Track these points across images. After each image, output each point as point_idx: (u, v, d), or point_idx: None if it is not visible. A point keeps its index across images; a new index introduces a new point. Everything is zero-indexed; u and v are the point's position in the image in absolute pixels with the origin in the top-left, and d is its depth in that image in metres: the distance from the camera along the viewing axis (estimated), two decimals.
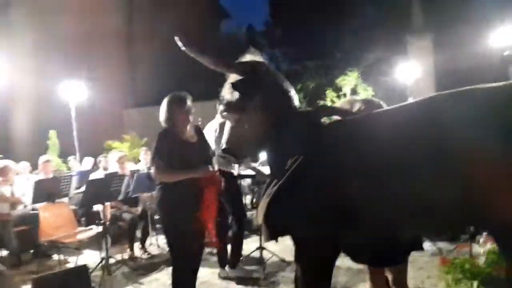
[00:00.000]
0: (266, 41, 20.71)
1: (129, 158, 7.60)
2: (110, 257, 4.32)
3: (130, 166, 5.93)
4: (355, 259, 2.21)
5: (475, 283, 2.88)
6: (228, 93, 2.00)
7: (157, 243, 5.28)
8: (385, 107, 2.17)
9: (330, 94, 10.57)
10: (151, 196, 4.93)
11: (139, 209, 5.13)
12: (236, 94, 1.94)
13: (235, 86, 1.91)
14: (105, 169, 5.46)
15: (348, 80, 10.32)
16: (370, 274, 2.42)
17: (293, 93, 1.98)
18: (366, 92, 10.41)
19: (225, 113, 2.00)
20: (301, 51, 13.37)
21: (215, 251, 4.63)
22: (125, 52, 14.06)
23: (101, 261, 4.17)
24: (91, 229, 4.68)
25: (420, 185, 1.47)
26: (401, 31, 9.72)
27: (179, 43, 1.95)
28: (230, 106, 1.96)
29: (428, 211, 1.50)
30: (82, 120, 8.93)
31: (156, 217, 6.35)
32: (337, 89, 10.57)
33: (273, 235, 1.86)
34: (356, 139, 1.68)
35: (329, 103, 10.64)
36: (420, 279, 3.56)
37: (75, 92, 8.51)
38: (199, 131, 3.04)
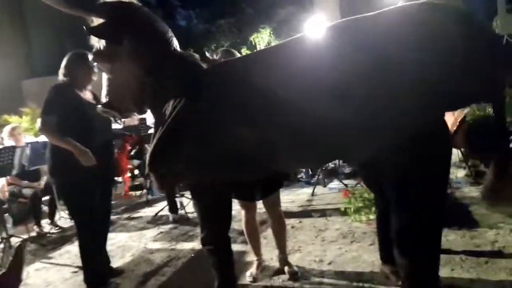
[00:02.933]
0: (179, 2, 19.69)
1: (34, 132, 6.92)
2: (12, 236, 4.02)
3: (30, 139, 5.40)
4: (236, 196, 2.30)
5: (373, 209, 3.18)
6: (96, 41, 1.81)
7: (68, 216, 5.01)
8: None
9: (245, 51, 10.56)
10: None
11: (41, 183, 4.77)
12: (103, 41, 1.76)
13: (95, 30, 1.71)
14: None
15: (262, 37, 10.37)
16: (244, 211, 2.60)
17: (170, 36, 1.83)
18: None
19: (94, 62, 1.82)
20: (214, 11, 12.95)
21: (134, 215, 4.60)
22: (18, 18, 12.37)
23: (1, 242, 3.86)
24: None
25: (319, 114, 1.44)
26: None
27: None
28: (97, 54, 1.79)
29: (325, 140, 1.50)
30: None
31: None
32: (252, 47, 10.58)
33: (164, 183, 1.79)
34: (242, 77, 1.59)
35: None
36: (328, 213, 3.88)
37: None
38: (97, 98, 2.75)
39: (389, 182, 1.64)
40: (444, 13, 1.48)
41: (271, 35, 10.34)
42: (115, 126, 3.32)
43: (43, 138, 5.89)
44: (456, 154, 4.61)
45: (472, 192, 3.82)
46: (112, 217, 4.59)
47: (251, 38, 10.40)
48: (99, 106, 1.90)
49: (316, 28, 9.51)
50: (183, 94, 1.62)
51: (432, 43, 1.39)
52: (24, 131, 5.84)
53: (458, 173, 4.44)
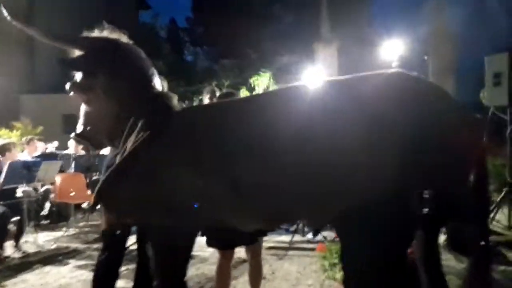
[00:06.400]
0: (189, 38, 20.43)
1: (21, 149, 6.84)
2: None
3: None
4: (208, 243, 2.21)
5: None
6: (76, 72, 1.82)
7: (36, 241, 4.82)
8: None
9: (244, 92, 10.80)
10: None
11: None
12: (79, 73, 1.77)
13: (70, 62, 1.73)
14: None
15: (261, 80, 10.66)
16: (220, 255, 2.49)
17: (150, 74, 1.82)
18: None
19: (71, 92, 1.80)
20: (220, 50, 13.42)
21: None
22: (25, 33, 12.65)
23: None
24: None
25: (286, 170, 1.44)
26: (310, 38, 10.33)
27: (4, 13, 1.76)
28: (74, 86, 1.77)
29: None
30: None
31: (44, 212, 5.89)
32: (251, 89, 10.84)
33: (108, 222, 1.75)
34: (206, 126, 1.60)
35: None
36: (303, 265, 3.77)
37: None
38: None
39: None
40: (423, 84, 1.55)
41: (271, 79, 10.63)
42: None
43: (25, 155, 5.84)
44: None
45: (450, 260, 3.74)
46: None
47: (251, 80, 10.69)
48: (73, 134, 1.89)
49: (314, 79, 9.84)
50: (144, 133, 1.62)
51: (412, 112, 1.41)
52: None
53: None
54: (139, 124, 1.66)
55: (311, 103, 1.51)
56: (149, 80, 1.82)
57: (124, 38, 1.90)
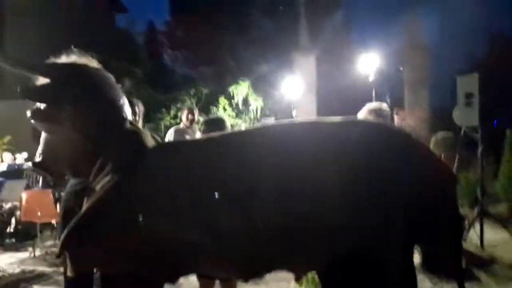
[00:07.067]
0: (167, 42, 20.14)
1: None
2: None
3: None
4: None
5: None
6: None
7: None
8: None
9: (222, 101, 10.72)
10: None
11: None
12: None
13: (33, 92, 1.60)
14: None
15: (240, 89, 10.61)
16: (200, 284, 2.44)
17: (120, 104, 1.72)
18: (256, 102, 10.85)
19: (31, 120, 1.67)
20: (198, 56, 13.29)
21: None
22: None
23: None
24: None
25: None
26: (289, 46, 10.36)
27: None
28: (36, 114, 1.64)
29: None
30: None
31: (9, 229, 5.61)
32: (230, 97, 10.77)
33: (77, 267, 1.65)
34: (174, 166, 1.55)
35: (221, 110, 10.83)
36: None
37: None
38: None
39: None
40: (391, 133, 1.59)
41: (249, 88, 10.59)
42: None
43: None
44: None
45: (423, 281, 3.76)
46: None
47: (230, 89, 10.62)
48: (30, 164, 1.78)
49: (292, 88, 9.86)
50: (116, 173, 1.53)
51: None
52: None
53: None
54: (109, 165, 1.57)
55: (290, 149, 1.49)
56: (119, 109, 1.71)
57: (93, 63, 1.77)
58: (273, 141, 1.52)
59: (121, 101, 1.74)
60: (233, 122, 10.69)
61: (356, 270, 1.42)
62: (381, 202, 1.40)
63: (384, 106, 2.76)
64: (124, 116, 1.74)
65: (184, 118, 4.88)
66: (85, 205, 1.57)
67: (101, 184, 1.56)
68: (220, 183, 1.45)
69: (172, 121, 10.18)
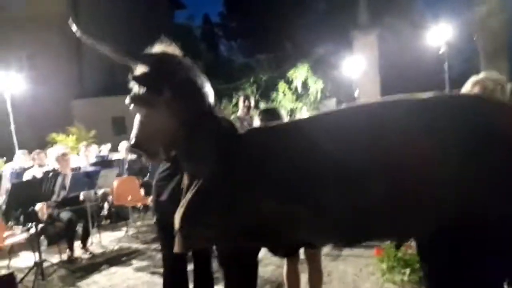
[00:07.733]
0: (222, 33, 20.55)
1: (78, 151, 7.28)
2: (44, 260, 4.13)
3: (73, 160, 5.69)
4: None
5: (408, 270, 3.09)
6: (135, 85, 1.84)
7: (100, 242, 5.18)
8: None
9: (282, 86, 10.76)
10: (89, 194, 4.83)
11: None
12: (143, 88, 1.80)
13: (138, 79, 1.76)
14: (40, 166, 5.19)
15: (299, 73, 10.55)
16: (286, 260, 2.57)
17: (207, 90, 1.85)
18: (316, 85, 10.73)
19: (131, 106, 1.83)
20: (255, 43, 13.40)
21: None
22: (71, 40, 13.30)
23: (33, 266, 3.98)
24: (23, 232, 4.46)
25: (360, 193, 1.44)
26: (348, 27, 10.04)
27: (73, 29, 1.84)
28: (135, 100, 1.80)
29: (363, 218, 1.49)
30: (22, 113, 8.40)
31: (103, 212, 6.30)
32: (289, 82, 10.77)
33: (187, 247, 1.79)
34: (275, 149, 1.62)
35: (281, 95, 10.90)
36: (359, 267, 3.74)
37: (10, 83, 7.92)
38: None
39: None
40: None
41: (308, 71, 10.49)
42: None
43: (82, 162, 6.22)
44: None
45: None
46: None
47: (289, 74, 10.60)
48: (129, 144, 1.97)
49: (355, 68, 9.56)
50: (217, 160, 1.66)
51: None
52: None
53: None
54: (205, 145, 1.71)
55: (395, 124, 1.48)
56: (206, 95, 1.86)
57: (177, 52, 1.92)
58: (372, 120, 1.52)
59: (207, 87, 1.87)
60: (293, 106, 10.70)
61: (464, 241, 1.38)
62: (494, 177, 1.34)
63: (495, 75, 2.43)
64: (211, 99, 1.86)
65: (241, 105, 5.11)
66: (190, 192, 1.70)
67: (197, 170, 1.70)
68: (326, 164, 1.50)
69: (234, 108, 10.47)
